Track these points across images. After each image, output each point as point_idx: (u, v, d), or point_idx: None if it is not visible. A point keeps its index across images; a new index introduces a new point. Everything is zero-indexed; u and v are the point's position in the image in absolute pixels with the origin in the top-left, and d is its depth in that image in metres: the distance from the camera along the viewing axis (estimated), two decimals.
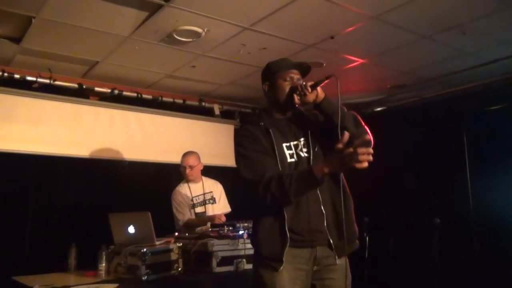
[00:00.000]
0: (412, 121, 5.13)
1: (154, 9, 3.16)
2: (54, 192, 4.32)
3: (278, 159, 2.10)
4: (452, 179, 4.78)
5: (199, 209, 3.99)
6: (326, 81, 2.12)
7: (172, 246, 3.05)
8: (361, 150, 1.79)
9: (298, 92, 2.14)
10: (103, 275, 3.06)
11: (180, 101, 5.18)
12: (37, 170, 4.25)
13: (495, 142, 4.45)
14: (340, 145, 1.84)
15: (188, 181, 4.02)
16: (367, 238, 4.96)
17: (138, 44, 3.74)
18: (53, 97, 4.36)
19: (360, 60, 4.20)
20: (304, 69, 2.26)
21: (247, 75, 4.53)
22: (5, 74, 4.10)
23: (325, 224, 2.09)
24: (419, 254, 4.75)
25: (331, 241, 2.09)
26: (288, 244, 2.03)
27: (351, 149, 1.80)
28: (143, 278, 2.79)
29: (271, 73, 2.26)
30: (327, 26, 3.49)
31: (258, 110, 2.34)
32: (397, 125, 5.14)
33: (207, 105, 5.41)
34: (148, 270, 2.80)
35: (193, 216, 3.96)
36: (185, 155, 4.03)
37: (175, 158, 4.96)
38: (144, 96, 4.91)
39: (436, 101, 5.08)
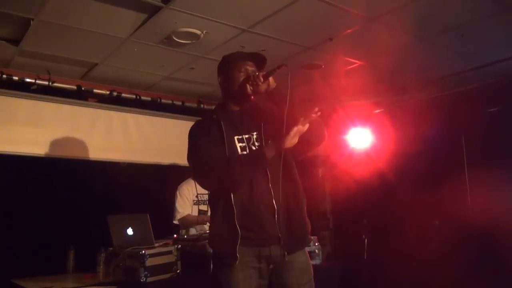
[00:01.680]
0: (410, 122, 5.13)
1: (153, 11, 3.16)
2: (52, 194, 4.31)
3: (227, 151, 2.10)
4: (450, 181, 4.78)
5: (203, 207, 4.01)
6: (277, 70, 2.12)
7: (170, 248, 3.05)
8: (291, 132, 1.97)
9: (250, 82, 2.14)
10: (102, 277, 3.06)
11: (179, 103, 5.18)
12: (36, 171, 4.24)
13: (493, 144, 4.45)
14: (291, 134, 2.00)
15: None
16: (366, 240, 4.97)
17: (137, 46, 3.74)
18: (52, 99, 4.36)
19: (359, 62, 4.21)
20: (259, 61, 2.25)
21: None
22: (4, 76, 4.09)
23: (276, 219, 2.06)
24: (417, 256, 4.75)
25: (281, 238, 2.06)
26: (239, 238, 2.00)
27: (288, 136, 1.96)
28: (142, 280, 2.78)
29: (226, 64, 2.27)
30: (325, 28, 3.49)
31: (216, 104, 2.36)
32: (396, 126, 5.14)
33: (206, 107, 5.41)
34: (146, 272, 2.80)
35: (196, 213, 3.99)
36: None
37: (174, 160, 4.99)
38: (143, 98, 4.91)
39: (434, 103, 5.08)
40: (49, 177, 4.33)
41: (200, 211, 4.01)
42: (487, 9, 3.19)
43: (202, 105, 5.37)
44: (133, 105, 4.88)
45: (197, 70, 4.34)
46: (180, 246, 3.12)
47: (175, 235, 3.57)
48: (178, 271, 3.01)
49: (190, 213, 4.00)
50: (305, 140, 2.11)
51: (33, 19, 3.24)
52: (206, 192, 4.04)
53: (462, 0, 3.09)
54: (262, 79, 2.11)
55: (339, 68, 4.29)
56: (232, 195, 2.05)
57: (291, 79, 2.05)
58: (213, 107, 5.36)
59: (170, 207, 4.06)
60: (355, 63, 4.21)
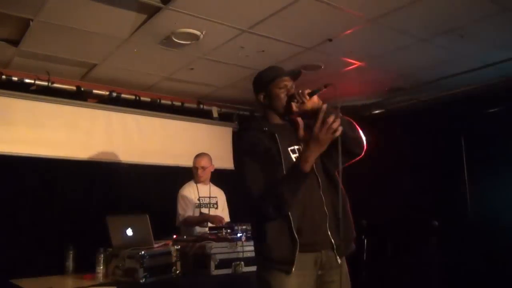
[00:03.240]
0: (410, 123, 5.14)
1: (153, 12, 3.16)
2: (52, 195, 4.31)
3: (283, 164, 2.10)
4: (450, 182, 4.79)
5: (204, 210, 4.01)
6: (323, 90, 2.12)
7: (170, 248, 3.05)
8: (328, 119, 1.87)
9: (296, 101, 2.15)
10: (101, 278, 3.06)
11: (179, 103, 5.18)
12: (35, 172, 4.23)
13: (493, 145, 4.46)
14: (301, 132, 1.96)
15: (197, 181, 4.06)
16: (365, 241, 4.96)
17: (137, 47, 3.74)
18: (51, 99, 4.36)
19: (358, 63, 4.21)
20: (296, 76, 2.28)
21: (245, 78, 4.53)
22: (3, 77, 4.10)
23: (327, 224, 2.11)
24: (417, 257, 4.75)
25: (333, 241, 2.11)
26: (298, 245, 2.02)
27: (319, 124, 1.88)
28: (141, 281, 2.78)
29: (265, 82, 2.26)
30: (325, 29, 3.49)
31: (256, 117, 2.34)
32: (395, 127, 5.15)
33: (205, 107, 5.41)
34: (146, 273, 2.80)
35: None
36: (198, 156, 4.09)
37: (173, 161, 4.98)
38: (143, 98, 4.91)
39: (434, 104, 5.09)
40: (49, 178, 4.32)
41: (201, 214, 4.00)
42: (486, 10, 3.19)
43: (201, 106, 5.38)
44: (133, 106, 4.88)
45: (196, 71, 4.34)
46: (179, 246, 3.12)
47: (174, 236, 3.57)
48: (177, 271, 3.01)
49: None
50: (344, 150, 2.08)
51: (32, 20, 3.24)
52: (208, 195, 4.06)
53: (462, 1, 3.09)
54: (307, 97, 2.13)
55: (338, 68, 4.29)
56: None
57: (336, 96, 2.01)
58: (212, 107, 5.43)
59: (169, 207, 4.06)
60: (355, 63, 4.22)
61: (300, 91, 2.15)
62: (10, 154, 4.06)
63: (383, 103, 5.46)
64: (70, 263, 3.34)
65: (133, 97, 4.86)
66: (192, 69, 4.29)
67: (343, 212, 2.13)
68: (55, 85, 4.36)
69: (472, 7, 3.15)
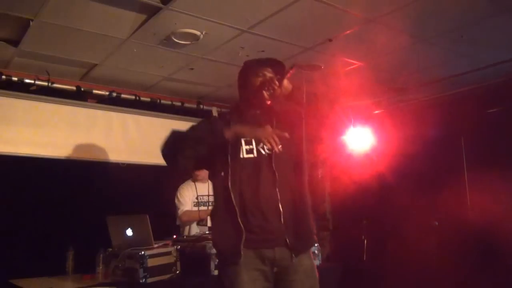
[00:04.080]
0: (410, 123, 5.13)
1: (153, 12, 3.16)
2: (51, 195, 4.31)
3: (229, 151, 2.10)
4: (450, 182, 4.78)
5: (202, 208, 4.02)
6: (291, 72, 2.15)
7: (170, 249, 3.05)
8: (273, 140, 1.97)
9: (266, 88, 2.16)
10: (101, 278, 3.06)
11: (178, 103, 5.18)
12: (35, 172, 4.23)
13: (493, 145, 4.46)
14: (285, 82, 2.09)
15: (195, 180, 4.07)
16: (365, 241, 4.97)
17: (137, 47, 3.74)
18: (51, 99, 4.36)
19: (358, 63, 4.21)
20: (277, 66, 2.26)
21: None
22: (3, 77, 4.09)
23: (282, 221, 2.07)
24: (417, 257, 4.75)
25: (287, 240, 2.07)
26: (244, 236, 2.01)
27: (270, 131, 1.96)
28: (141, 281, 2.78)
29: (244, 69, 2.30)
30: (325, 29, 3.49)
31: (233, 105, 2.38)
32: (395, 127, 5.14)
33: (205, 107, 5.41)
34: (146, 273, 2.80)
35: None
36: None
37: None
38: (142, 98, 4.91)
39: (434, 104, 5.09)
40: (48, 178, 4.32)
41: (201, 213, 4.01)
42: (486, 10, 3.20)
43: (201, 106, 5.38)
44: (133, 106, 4.88)
45: (196, 71, 4.34)
46: (179, 246, 3.12)
47: (174, 236, 3.57)
48: (177, 272, 3.01)
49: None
50: (326, 126, 2.19)
51: (32, 20, 3.24)
52: (207, 193, 4.06)
53: (461, 1, 3.09)
54: (277, 84, 2.14)
55: (338, 69, 4.29)
56: (232, 194, 2.06)
57: (305, 75, 2.15)
58: (212, 108, 5.43)
59: (169, 207, 4.06)
60: (355, 64, 4.22)
61: (271, 79, 2.17)
62: (10, 154, 4.07)
63: (383, 103, 5.46)
64: (70, 263, 3.34)
65: (133, 97, 4.86)
66: (192, 69, 4.29)
67: (300, 210, 2.12)
68: (55, 85, 4.36)
69: (471, 7, 3.15)
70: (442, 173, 4.85)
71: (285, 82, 2.17)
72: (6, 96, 4.11)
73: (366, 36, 3.61)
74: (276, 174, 2.11)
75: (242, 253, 2.01)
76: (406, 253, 4.88)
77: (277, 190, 2.09)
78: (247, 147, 2.16)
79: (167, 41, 3.60)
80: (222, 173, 2.10)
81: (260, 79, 2.20)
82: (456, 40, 3.68)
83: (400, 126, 5.13)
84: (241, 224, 2.03)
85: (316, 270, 2.19)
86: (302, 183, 2.19)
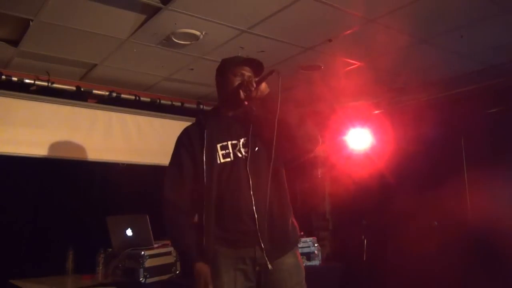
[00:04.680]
0: (409, 123, 5.13)
1: (153, 12, 3.16)
2: (51, 195, 4.31)
3: (204, 162, 2.10)
4: (449, 182, 4.78)
5: None
6: (268, 76, 2.11)
7: (170, 249, 3.05)
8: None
9: (243, 88, 2.14)
10: (101, 278, 3.06)
11: (178, 103, 5.18)
12: (35, 172, 4.23)
13: (493, 145, 4.45)
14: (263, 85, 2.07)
15: None
16: (365, 241, 4.96)
17: (136, 47, 3.73)
18: (51, 99, 4.35)
19: (358, 63, 4.21)
20: (257, 66, 2.23)
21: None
22: (3, 77, 4.09)
23: (257, 226, 2.04)
24: (417, 257, 4.75)
25: (262, 245, 2.03)
26: (213, 236, 2.03)
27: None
28: (141, 281, 2.78)
29: (222, 68, 2.28)
30: (325, 29, 3.49)
31: (210, 109, 2.39)
32: (395, 127, 5.14)
33: (205, 107, 5.41)
34: (146, 273, 2.80)
35: None
36: None
37: None
38: (142, 98, 4.91)
39: (433, 104, 5.09)
40: (48, 178, 4.32)
41: None
42: (486, 10, 3.19)
43: (201, 106, 5.37)
44: (133, 106, 4.87)
45: (196, 71, 4.34)
46: None
47: None
48: (177, 272, 3.01)
49: None
50: (294, 145, 2.10)
51: (32, 20, 3.24)
52: None
53: (461, 1, 3.09)
54: (254, 85, 2.11)
55: (338, 69, 4.29)
56: (209, 198, 2.07)
57: (281, 85, 2.05)
58: (211, 108, 5.42)
59: None
60: (355, 64, 4.21)
61: (249, 79, 2.14)
62: (10, 154, 4.06)
63: (383, 104, 5.46)
64: (70, 264, 3.34)
65: (133, 97, 4.85)
66: (192, 69, 4.29)
67: (277, 214, 2.09)
68: (55, 85, 4.35)
69: (471, 7, 3.15)
70: (442, 173, 4.85)
71: (263, 85, 2.13)
72: (6, 96, 4.11)
73: (366, 36, 3.61)
74: (250, 178, 2.09)
75: (218, 252, 2.02)
76: (406, 253, 4.88)
77: (251, 193, 2.06)
78: (223, 151, 2.15)
79: (167, 41, 3.60)
80: (200, 179, 2.11)
81: (238, 78, 2.19)
82: (456, 40, 3.68)
83: (400, 126, 5.13)
84: (218, 226, 2.04)
85: (301, 268, 2.16)
86: (278, 186, 2.15)
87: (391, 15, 3.24)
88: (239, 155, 2.15)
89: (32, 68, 4.14)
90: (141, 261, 2.80)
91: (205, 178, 2.08)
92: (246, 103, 2.20)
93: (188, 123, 5.68)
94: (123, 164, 4.73)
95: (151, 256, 2.86)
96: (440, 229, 4.65)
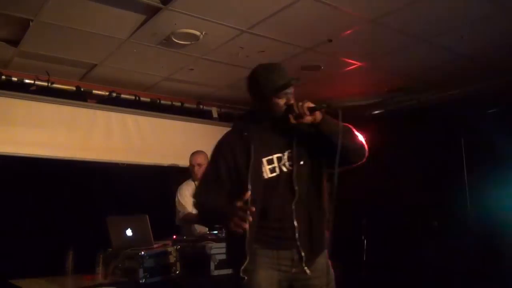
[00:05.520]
0: (409, 124, 5.14)
1: (152, 12, 3.16)
2: (51, 195, 4.31)
3: (249, 177, 2.05)
4: (449, 182, 4.79)
5: None
6: (325, 109, 2.05)
7: (170, 249, 3.05)
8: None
9: (294, 114, 2.05)
10: (101, 278, 3.05)
11: (178, 103, 5.18)
12: (35, 172, 4.23)
13: (493, 145, 4.46)
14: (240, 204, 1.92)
15: (195, 179, 4.06)
16: (365, 241, 4.96)
17: (136, 47, 3.74)
18: (51, 100, 4.36)
19: (358, 63, 4.21)
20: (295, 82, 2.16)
21: (245, 78, 4.51)
22: (3, 77, 4.09)
23: (297, 236, 2.07)
24: (417, 257, 4.75)
25: (302, 253, 2.07)
26: (247, 260, 2.02)
27: (237, 215, 1.90)
28: (141, 281, 2.78)
29: (263, 91, 2.12)
30: (325, 29, 3.49)
31: (246, 113, 2.29)
32: (395, 128, 5.14)
33: (205, 107, 5.41)
34: (145, 273, 2.80)
35: None
36: (194, 153, 4.10)
37: (173, 161, 4.98)
38: (142, 99, 4.91)
39: (434, 104, 5.09)
40: (48, 178, 4.32)
41: None
42: (486, 10, 3.19)
43: (201, 106, 5.38)
44: (132, 106, 4.88)
45: (196, 71, 4.34)
46: (179, 247, 3.12)
47: (174, 236, 3.57)
48: (177, 272, 3.01)
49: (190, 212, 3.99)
50: (345, 160, 2.07)
51: (32, 20, 3.24)
52: None
53: (462, 1, 3.09)
54: (308, 113, 2.02)
55: (338, 69, 4.29)
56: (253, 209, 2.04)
57: (338, 98, 2.05)
58: (212, 108, 5.43)
59: (169, 208, 4.05)
60: (355, 64, 4.21)
61: (300, 104, 2.03)
62: (10, 154, 4.06)
63: (383, 103, 5.46)
64: (69, 264, 3.33)
65: (133, 97, 4.86)
66: (192, 69, 4.29)
67: (317, 225, 2.13)
68: (55, 85, 4.36)
69: (471, 7, 3.15)
70: (442, 173, 4.85)
71: (317, 113, 2.04)
72: (6, 97, 4.11)
73: (366, 36, 3.61)
74: (296, 192, 2.09)
75: (249, 254, 2.03)
76: (406, 253, 4.88)
77: (293, 207, 2.08)
78: (270, 166, 2.12)
79: (167, 41, 3.60)
80: (246, 193, 2.03)
81: (283, 99, 2.08)
82: (456, 40, 3.68)
83: (400, 126, 5.13)
84: (258, 231, 2.04)
85: (331, 268, 2.20)
86: (320, 197, 2.17)
87: (391, 15, 3.24)
88: (284, 169, 2.13)
89: (32, 68, 4.14)
90: (141, 261, 2.79)
91: (250, 193, 2.01)
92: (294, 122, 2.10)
93: (188, 123, 5.71)
94: (122, 164, 4.73)
95: (151, 256, 2.86)
96: (440, 229, 4.65)
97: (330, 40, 3.66)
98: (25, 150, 4.15)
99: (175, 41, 3.58)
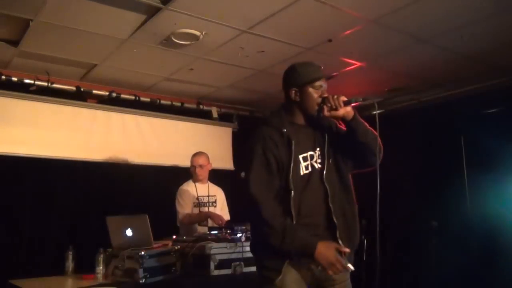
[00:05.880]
0: (409, 124, 5.13)
1: (153, 12, 3.16)
2: (51, 195, 4.31)
3: (291, 174, 2.08)
4: (449, 182, 4.78)
5: (203, 209, 4.01)
6: (360, 103, 2.15)
7: (169, 249, 3.05)
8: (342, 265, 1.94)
9: (329, 106, 2.12)
10: (101, 279, 3.05)
11: (178, 104, 5.18)
12: (35, 172, 4.24)
13: (493, 145, 4.45)
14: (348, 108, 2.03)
15: (195, 180, 4.07)
16: (365, 241, 4.96)
17: (136, 47, 3.73)
18: (51, 100, 4.36)
19: (358, 63, 4.21)
20: (328, 76, 2.29)
21: (245, 78, 4.54)
22: (3, 77, 4.10)
23: (338, 235, 2.11)
24: (417, 257, 4.75)
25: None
26: (288, 261, 2.03)
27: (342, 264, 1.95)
28: (141, 281, 2.78)
29: (301, 80, 2.21)
30: (325, 29, 3.49)
31: (279, 110, 2.28)
32: (395, 128, 5.14)
33: (205, 108, 5.41)
34: (145, 273, 2.80)
35: None
36: (196, 154, 4.10)
37: (173, 161, 4.98)
38: (142, 99, 4.91)
39: (434, 104, 5.09)
40: (49, 178, 4.33)
41: (201, 212, 4.00)
42: (486, 10, 3.19)
43: (201, 106, 5.38)
44: (132, 106, 4.88)
45: (196, 71, 4.34)
46: (179, 247, 3.12)
47: (174, 236, 3.57)
48: (177, 272, 3.01)
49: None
50: (365, 160, 2.18)
51: (32, 20, 3.24)
52: (207, 194, 4.06)
53: (462, 1, 3.09)
54: (342, 105, 2.11)
55: (338, 69, 4.29)
56: (292, 208, 2.05)
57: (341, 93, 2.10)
58: (212, 108, 5.43)
59: (169, 208, 4.05)
60: (355, 64, 4.21)
61: (336, 96, 2.12)
62: (10, 154, 4.06)
63: (383, 103, 5.45)
64: (69, 264, 3.33)
65: (133, 97, 4.86)
66: (192, 69, 4.29)
67: (352, 219, 2.18)
68: (55, 85, 4.36)
69: (472, 7, 3.15)
70: (442, 173, 4.85)
71: (349, 107, 2.15)
72: (6, 97, 4.11)
73: (366, 36, 3.61)
74: (328, 188, 2.13)
75: (282, 272, 2.03)
76: (406, 253, 4.88)
77: (329, 203, 2.12)
78: (305, 163, 2.16)
79: (167, 41, 3.60)
80: (284, 189, 2.08)
81: (317, 91, 2.17)
82: (456, 40, 3.68)
83: (400, 126, 5.13)
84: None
85: None
86: (351, 193, 2.23)
87: (391, 15, 3.24)
88: (316, 166, 2.17)
89: (32, 68, 4.14)
90: (141, 261, 2.79)
91: (291, 189, 2.06)
92: (327, 114, 2.18)
93: (188, 123, 5.71)
94: (123, 164, 4.73)
95: (151, 256, 2.86)
96: (440, 229, 4.65)
97: (330, 40, 3.66)
98: (24, 150, 4.15)
99: (175, 41, 3.58)
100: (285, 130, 2.15)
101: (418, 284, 4.68)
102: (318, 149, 2.20)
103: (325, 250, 1.98)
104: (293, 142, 2.12)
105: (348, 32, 3.52)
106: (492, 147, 4.45)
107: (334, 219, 2.11)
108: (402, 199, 5.01)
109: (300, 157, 2.15)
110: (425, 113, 5.11)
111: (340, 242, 2.10)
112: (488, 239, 4.37)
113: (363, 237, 4.93)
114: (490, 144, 4.46)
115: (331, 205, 2.12)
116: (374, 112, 2.10)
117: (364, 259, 4.90)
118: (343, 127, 2.24)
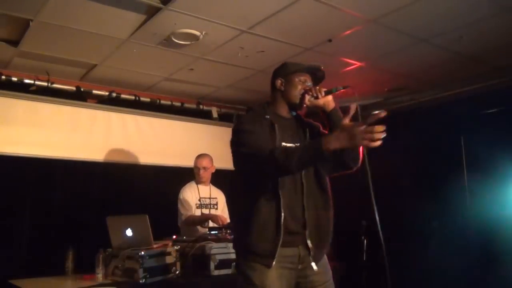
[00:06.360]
0: (409, 124, 5.13)
1: (152, 12, 3.16)
2: (51, 195, 4.31)
3: None
4: (449, 182, 4.78)
5: (204, 211, 4.01)
6: (341, 91, 2.18)
7: (169, 249, 3.05)
8: (377, 127, 1.77)
9: (311, 94, 2.19)
10: (101, 278, 3.05)
11: (178, 104, 5.18)
12: (35, 173, 4.24)
13: (492, 145, 4.45)
14: (347, 120, 1.92)
15: (198, 182, 4.07)
16: (365, 241, 4.96)
17: (136, 47, 3.73)
18: (51, 100, 4.36)
19: (358, 63, 4.21)
20: (319, 78, 2.34)
21: (245, 78, 4.53)
22: (3, 77, 4.10)
23: (306, 231, 2.12)
24: (417, 257, 4.74)
25: (310, 246, 2.13)
26: (281, 239, 2.04)
27: (364, 126, 1.78)
28: (141, 281, 2.78)
29: (288, 70, 2.30)
30: (325, 29, 3.49)
31: (263, 103, 2.33)
32: (395, 128, 5.13)
33: (205, 108, 5.41)
34: (145, 273, 2.80)
35: None
36: (200, 156, 4.10)
37: (173, 161, 4.98)
38: (142, 99, 4.91)
39: (434, 104, 5.08)
40: (48, 178, 4.32)
41: (203, 214, 4.01)
42: (486, 10, 3.19)
43: (201, 106, 5.38)
44: (132, 106, 4.88)
45: (196, 71, 4.34)
46: (179, 247, 3.12)
47: (174, 236, 3.57)
48: (177, 272, 3.01)
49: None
50: (340, 162, 2.18)
51: (32, 20, 3.24)
52: (208, 196, 4.06)
53: (461, 1, 3.09)
54: (323, 94, 2.18)
55: (338, 69, 4.29)
56: (281, 201, 2.06)
57: (358, 104, 2.05)
58: (212, 108, 5.43)
59: (169, 208, 4.05)
60: (355, 64, 4.21)
61: (318, 87, 2.20)
62: (10, 154, 4.07)
63: (383, 104, 5.46)
64: (69, 264, 3.33)
65: (133, 97, 4.86)
66: (191, 69, 4.29)
67: (324, 220, 2.18)
68: (55, 85, 4.36)
69: (471, 7, 3.15)
70: (441, 174, 4.84)
71: (330, 97, 2.21)
72: (6, 97, 4.11)
73: (365, 37, 3.61)
74: (304, 183, 2.16)
75: (277, 256, 2.05)
76: (406, 253, 4.88)
77: (304, 199, 2.14)
78: None
79: (167, 41, 3.60)
80: (271, 182, 2.09)
81: (301, 82, 2.25)
82: (456, 40, 3.68)
83: (400, 126, 5.12)
84: (282, 228, 2.06)
85: (329, 265, 2.28)
86: (326, 192, 2.24)
87: (390, 15, 3.24)
88: None
89: (32, 68, 4.15)
90: (141, 261, 2.79)
91: (278, 182, 2.09)
92: (305, 108, 2.24)
93: (188, 123, 5.72)
94: (123, 164, 4.73)
95: (151, 256, 2.86)
96: (440, 229, 4.65)
97: (330, 40, 3.66)
98: (24, 150, 4.15)
99: (175, 41, 3.58)
100: (267, 116, 2.20)
101: (418, 284, 4.68)
102: (298, 144, 2.19)
103: (336, 133, 1.87)
104: (276, 126, 2.16)
105: (348, 32, 3.52)
106: (492, 147, 4.45)
107: (306, 216, 2.12)
108: (402, 199, 5.01)
109: (282, 144, 2.16)
110: (425, 113, 5.11)
111: (307, 237, 2.12)
112: (488, 239, 4.37)
113: (363, 237, 4.97)
114: (490, 144, 4.46)
115: (305, 200, 2.14)
116: (354, 103, 2.04)
117: (364, 259, 4.91)
118: (325, 132, 2.26)
